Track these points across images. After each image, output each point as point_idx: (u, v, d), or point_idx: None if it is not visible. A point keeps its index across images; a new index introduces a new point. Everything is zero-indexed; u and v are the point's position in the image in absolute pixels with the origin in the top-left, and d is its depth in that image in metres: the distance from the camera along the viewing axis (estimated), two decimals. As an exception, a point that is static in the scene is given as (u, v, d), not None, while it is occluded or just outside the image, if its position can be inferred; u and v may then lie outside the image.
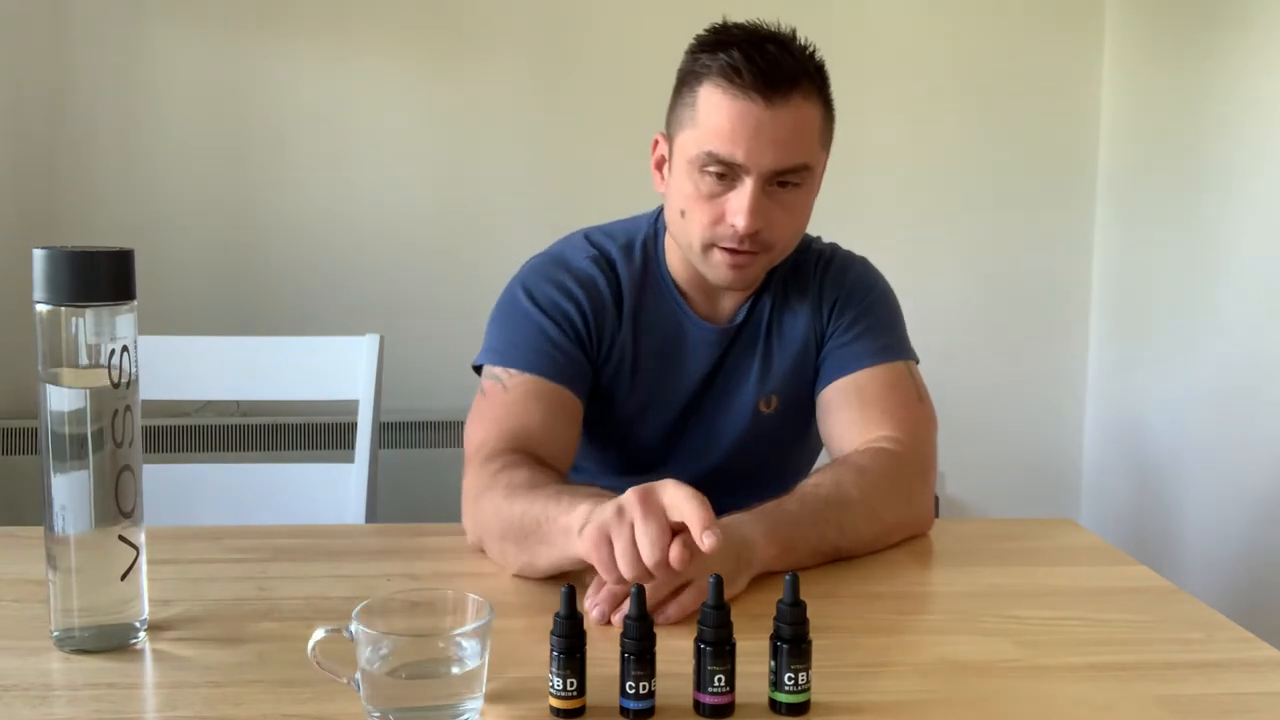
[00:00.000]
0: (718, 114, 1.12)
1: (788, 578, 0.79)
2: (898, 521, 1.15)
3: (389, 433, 2.42)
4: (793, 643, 0.77)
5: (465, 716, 0.75)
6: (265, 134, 2.48)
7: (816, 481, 1.11)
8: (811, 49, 1.16)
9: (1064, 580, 1.07)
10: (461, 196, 2.54)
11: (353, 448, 1.59)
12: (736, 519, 1.01)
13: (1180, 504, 2.41)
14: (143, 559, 0.89)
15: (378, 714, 0.75)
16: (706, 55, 1.14)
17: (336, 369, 1.60)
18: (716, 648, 0.78)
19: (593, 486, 1.02)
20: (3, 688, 0.80)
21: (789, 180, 1.14)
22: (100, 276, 0.84)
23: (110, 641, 0.87)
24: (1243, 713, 0.80)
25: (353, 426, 1.59)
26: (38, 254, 0.83)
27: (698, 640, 0.78)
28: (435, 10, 2.50)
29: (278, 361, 1.63)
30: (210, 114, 2.47)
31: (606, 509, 0.89)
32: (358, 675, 0.75)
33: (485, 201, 2.53)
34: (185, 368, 1.59)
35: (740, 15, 1.19)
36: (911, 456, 1.18)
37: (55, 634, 0.87)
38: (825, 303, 1.28)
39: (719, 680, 0.77)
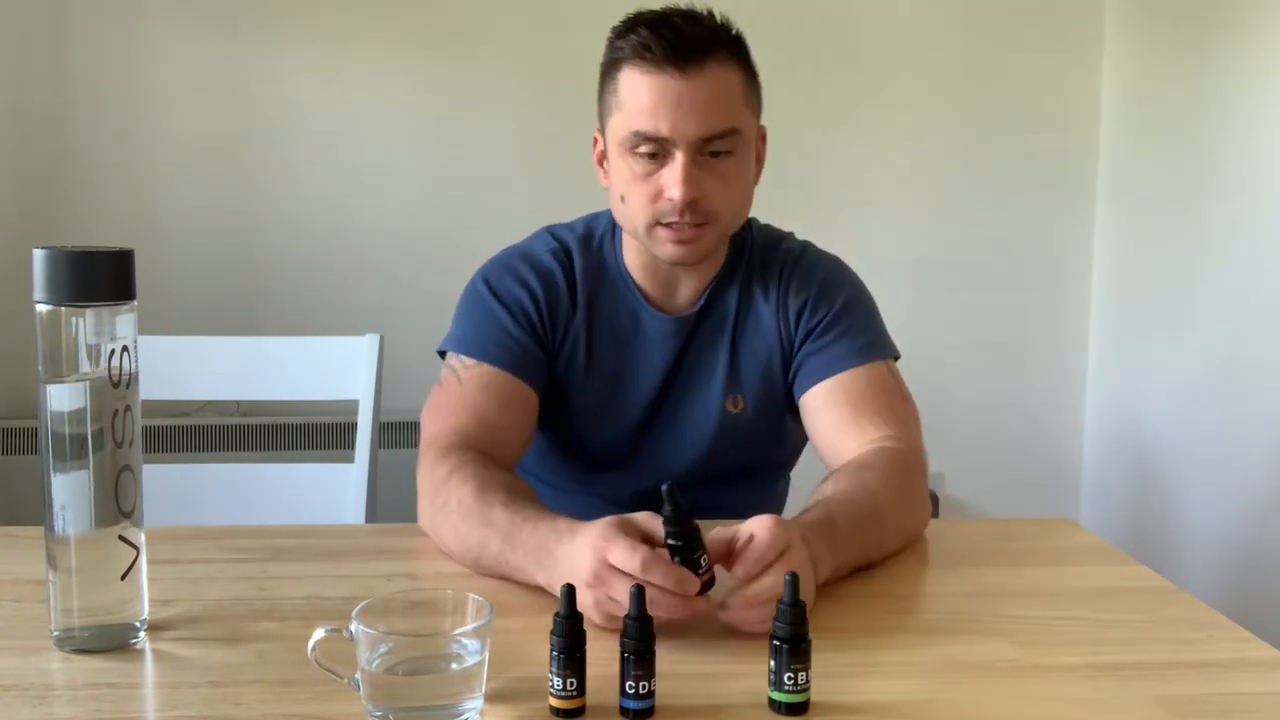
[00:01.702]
0: (637, 93, 1.14)
1: (787, 577, 0.79)
2: (915, 529, 1.15)
3: (389, 433, 2.42)
4: (792, 643, 0.77)
5: (465, 716, 0.75)
6: (265, 134, 2.48)
7: (850, 492, 1.07)
8: (725, 21, 1.18)
9: (1064, 580, 1.07)
10: (461, 197, 2.54)
11: (353, 448, 1.59)
12: (807, 535, 0.95)
13: (1180, 504, 2.41)
14: (143, 559, 0.89)
15: (378, 714, 0.75)
16: (619, 40, 1.17)
17: (336, 369, 1.61)
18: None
19: (534, 512, 1.00)
20: (3, 688, 0.80)
21: (720, 148, 1.15)
22: (100, 276, 0.84)
23: (110, 641, 0.87)
24: (1243, 713, 0.80)
25: (353, 426, 1.59)
26: (38, 254, 0.83)
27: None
28: (434, 12, 2.50)
29: (278, 361, 1.63)
30: (210, 114, 2.47)
31: (586, 597, 0.87)
32: (358, 675, 0.75)
33: (485, 202, 2.53)
34: (185, 368, 1.59)
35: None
36: (914, 459, 1.18)
37: (55, 634, 0.87)
38: (793, 302, 1.28)
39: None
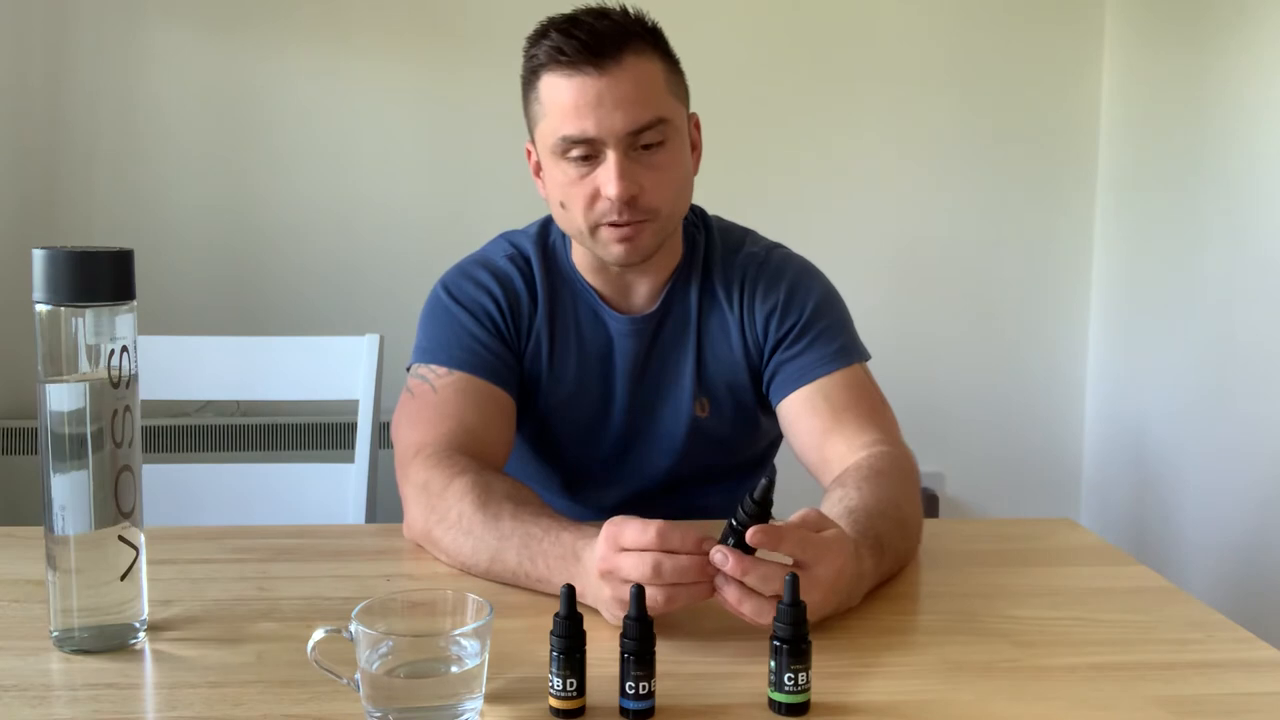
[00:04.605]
0: (559, 97, 1.14)
1: (787, 578, 0.79)
2: (920, 534, 1.13)
3: (389, 433, 2.42)
4: (792, 643, 0.77)
5: (465, 716, 0.75)
6: (265, 134, 2.48)
7: (881, 504, 1.05)
8: (639, 13, 1.17)
9: (1063, 580, 1.07)
10: (461, 196, 2.54)
11: (353, 448, 1.59)
12: (860, 549, 0.94)
13: (1180, 504, 2.41)
14: (143, 559, 0.89)
15: (378, 714, 0.75)
16: (534, 48, 1.16)
17: (336, 369, 1.61)
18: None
19: (550, 521, 1.00)
20: (3, 688, 0.80)
21: (650, 140, 1.15)
22: (100, 276, 0.84)
23: (110, 641, 0.87)
24: (1243, 713, 0.80)
25: (353, 426, 1.59)
26: (38, 254, 0.83)
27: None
28: (435, 11, 2.50)
29: (278, 361, 1.63)
30: (210, 114, 2.47)
31: (603, 590, 0.88)
32: (357, 675, 0.75)
33: (485, 202, 2.53)
34: (185, 368, 1.59)
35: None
36: (911, 463, 1.17)
37: (55, 634, 0.87)
38: (761, 307, 1.27)
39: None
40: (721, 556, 0.84)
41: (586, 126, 1.12)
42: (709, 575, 0.85)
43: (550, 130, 1.15)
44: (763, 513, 0.85)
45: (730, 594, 0.85)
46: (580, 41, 1.11)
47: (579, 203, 1.16)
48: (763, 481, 0.85)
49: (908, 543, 1.08)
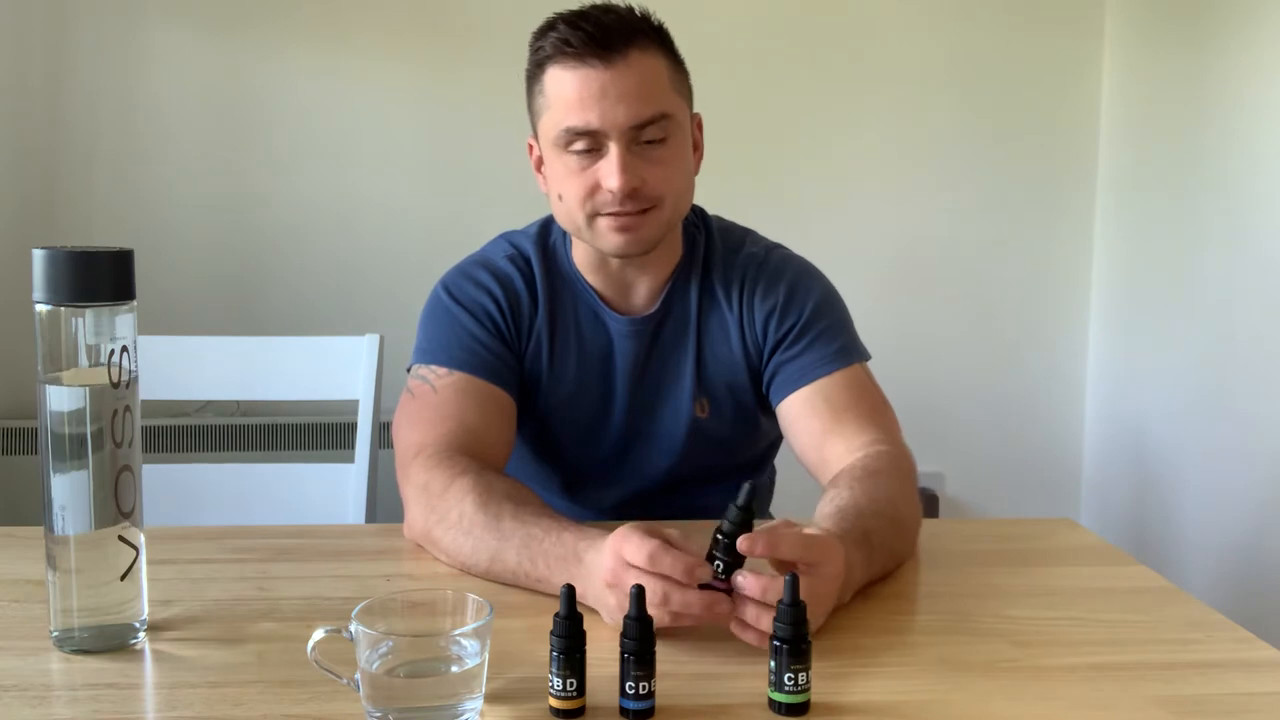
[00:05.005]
0: (563, 88, 1.14)
1: (787, 578, 0.79)
2: (917, 533, 1.14)
3: (389, 433, 2.41)
4: (792, 643, 0.77)
5: (465, 716, 0.75)
6: (265, 134, 2.48)
7: (876, 503, 1.05)
8: (645, 12, 1.18)
9: (1063, 580, 1.07)
10: (461, 196, 2.54)
11: (353, 448, 1.59)
12: (846, 544, 0.95)
13: (1180, 504, 2.41)
14: (142, 559, 0.89)
15: (378, 714, 0.75)
16: (540, 41, 1.17)
17: (336, 369, 1.61)
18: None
19: (550, 522, 1.00)
20: (3, 688, 0.81)
21: (653, 135, 1.15)
22: (100, 276, 0.84)
23: (110, 642, 0.87)
24: (1243, 713, 0.80)
25: (353, 426, 1.59)
26: (38, 254, 0.83)
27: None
28: (435, 11, 2.50)
29: (278, 361, 1.63)
30: (210, 114, 2.47)
31: (609, 598, 0.88)
32: (357, 675, 0.75)
33: (486, 202, 2.53)
34: (185, 368, 1.59)
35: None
36: (909, 463, 1.17)
37: (55, 634, 0.87)
38: (760, 307, 1.27)
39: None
40: (743, 579, 0.84)
41: (590, 118, 1.13)
42: (716, 612, 0.85)
43: (553, 123, 1.16)
44: (747, 518, 0.85)
45: (749, 612, 0.85)
46: (586, 34, 1.12)
47: (578, 193, 1.16)
48: (745, 486, 0.85)
49: (903, 541, 1.07)
